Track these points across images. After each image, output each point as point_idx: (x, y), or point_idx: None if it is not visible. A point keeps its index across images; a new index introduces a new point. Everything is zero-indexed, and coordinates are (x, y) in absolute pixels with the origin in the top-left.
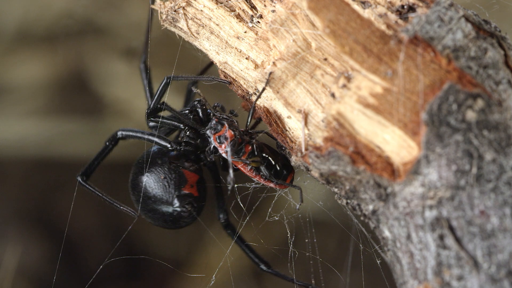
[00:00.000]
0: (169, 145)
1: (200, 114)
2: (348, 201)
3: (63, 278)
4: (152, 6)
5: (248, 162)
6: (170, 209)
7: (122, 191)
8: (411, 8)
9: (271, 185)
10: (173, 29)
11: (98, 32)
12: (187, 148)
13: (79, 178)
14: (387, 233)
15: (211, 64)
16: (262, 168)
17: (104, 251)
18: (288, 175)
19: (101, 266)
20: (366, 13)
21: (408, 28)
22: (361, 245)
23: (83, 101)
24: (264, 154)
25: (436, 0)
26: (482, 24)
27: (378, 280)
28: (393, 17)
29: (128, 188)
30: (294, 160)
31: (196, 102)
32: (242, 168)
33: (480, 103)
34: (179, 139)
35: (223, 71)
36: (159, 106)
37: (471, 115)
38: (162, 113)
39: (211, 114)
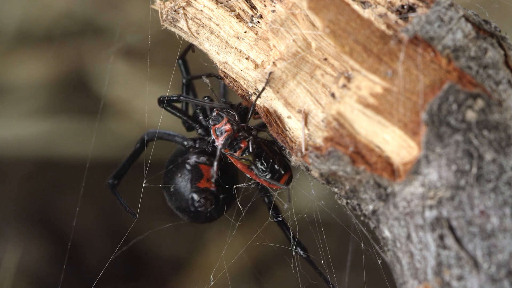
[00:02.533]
0: (185, 143)
1: (208, 110)
2: (348, 201)
3: (62, 277)
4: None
5: (238, 158)
6: (189, 204)
7: (121, 191)
8: (411, 8)
9: (264, 183)
10: (173, 29)
11: (98, 32)
12: (201, 144)
13: (110, 181)
14: (387, 233)
15: (190, 47)
16: (253, 166)
17: (104, 250)
18: (283, 175)
19: (106, 265)
20: (366, 13)
21: (408, 28)
22: (362, 245)
23: (83, 101)
24: (259, 152)
25: (436, 0)
26: (482, 24)
27: (379, 280)
28: (393, 17)
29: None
30: (294, 160)
31: (205, 98)
32: (235, 163)
33: (480, 103)
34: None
35: (223, 71)
36: (175, 98)
37: (471, 115)
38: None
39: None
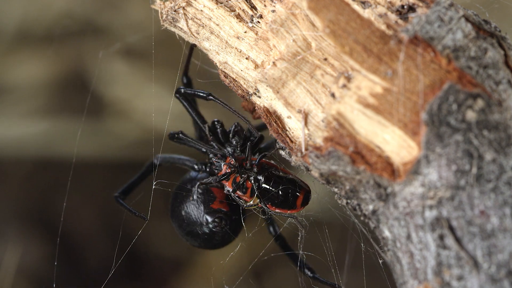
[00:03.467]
0: (196, 166)
1: (219, 134)
2: (348, 201)
3: (63, 277)
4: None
5: (246, 206)
6: (203, 227)
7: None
8: (411, 8)
9: (284, 211)
10: (173, 29)
11: (98, 32)
12: (212, 168)
13: (117, 195)
14: (387, 233)
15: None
16: (263, 203)
17: (104, 251)
18: (296, 199)
19: (113, 269)
20: (366, 13)
21: (408, 28)
22: (362, 245)
23: (83, 101)
24: (265, 186)
25: (436, 0)
26: (482, 24)
27: (379, 280)
28: (393, 17)
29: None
30: (294, 160)
31: (215, 122)
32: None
33: (480, 103)
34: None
35: (223, 71)
36: (176, 135)
37: (471, 115)
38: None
39: (213, 153)
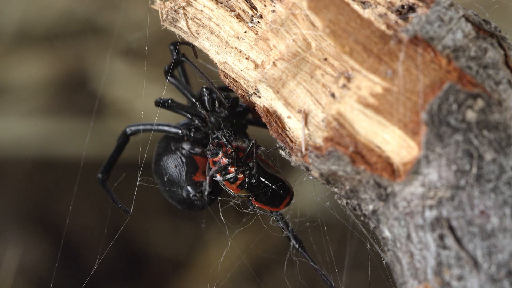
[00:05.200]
0: (180, 132)
1: (206, 102)
2: (348, 201)
3: (63, 277)
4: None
5: (234, 196)
6: (183, 195)
7: (118, 190)
8: (411, 8)
9: (263, 206)
10: (173, 29)
11: (98, 32)
12: (197, 135)
13: (99, 176)
14: (387, 233)
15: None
16: (249, 202)
17: (104, 250)
18: (283, 200)
19: (97, 262)
20: (366, 13)
21: (408, 28)
22: (368, 245)
23: (83, 101)
24: (255, 182)
25: (436, 0)
26: (482, 24)
27: (379, 280)
28: (393, 17)
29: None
30: (294, 160)
31: (204, 89)
32: (232, 189)
33: (480, 103)
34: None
35: (223, 71)
36: (166, 101)
37: (471, 115)
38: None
39: (210, 137)
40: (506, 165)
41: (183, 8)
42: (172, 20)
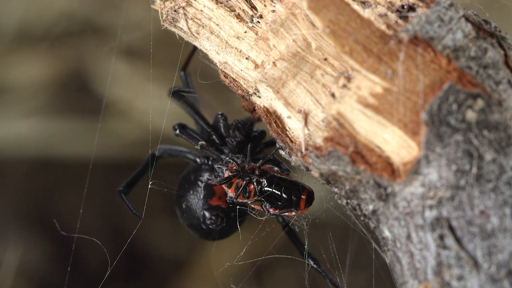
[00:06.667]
0: (198, 160)
1: (222, 129)
2: (348, 201)
3: (63, 277)
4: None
5: (249, 202)
6: (201, 222)
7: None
8: (411, 8)
9: (285, 214)
10: (173, 29)
11: (98, 32)
12: (214, 162)
13: (121, 188)
14: (387, 233)
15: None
16: (267, 205)
17: (103, 250)
18: (300, 200)
19: (110, 268)
20: (366, 13)
21: (408, 28)
22: (374, 244)
23: (83, 101)
24: (268, 188)
25: (436, 0)
26: (482, 24)
27: (379, 280)
28: (393, 17)
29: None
30: (294, 160)
31: (219, 116)
32: (253, 206)
33: (480, 103)
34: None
35: (223, 71)
36: (180, 126)
37: (471, 115)
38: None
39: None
40: (506, 165)
41: (183, 8)
42: (172, 20)
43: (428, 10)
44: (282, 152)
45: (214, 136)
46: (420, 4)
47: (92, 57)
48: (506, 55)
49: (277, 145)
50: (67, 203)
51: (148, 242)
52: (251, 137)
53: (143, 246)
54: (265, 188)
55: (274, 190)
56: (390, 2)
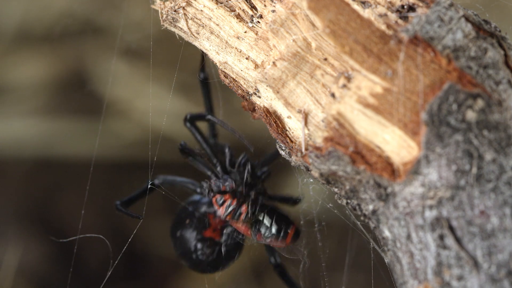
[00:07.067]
0: (198, 190)
1: (227, 162)
2: (348, 201)
3: (63, 277)
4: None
5: (240, 221)
6: (192, 252)
7: (119, 190)
8: (411, 8)
9: (272, 244)
10: (173, 29)
11: (98, 32)
12: (212, 195)
13: (118, 203)
14: (387, 233)
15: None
16: (255, 228)
17: (104, 250)
18: (289, 232)
19: (111, 269)
20: (366, 13)
21: (408, 28)
22: (372, 243)
23: (83, 101)
24: (258, 214)
25: (436, 0)
26: (482, 24)
27: (379, 280)
28: (393, 17)
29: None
30: (294, 160)
31: (227, 149)
32: (238, 229)
33: (480, 103)
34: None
35: (223, 71)
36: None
37: (471, 115)
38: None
39: (209, 178)
40: (506, 165)
41: (183, 8)
42: (172, 20)
43: (428, 10)
44: (282, 152)
45: (218, 168)
46: (420, 4)
47: (92, 57)
48: (506, 55)
49: (277, 145)
50: (67, 203)
51: (148, 242)
52: (258, 176)
53: (143, 246)
54: (257, 214)
55: (264, 220)
56: (390, 2)
